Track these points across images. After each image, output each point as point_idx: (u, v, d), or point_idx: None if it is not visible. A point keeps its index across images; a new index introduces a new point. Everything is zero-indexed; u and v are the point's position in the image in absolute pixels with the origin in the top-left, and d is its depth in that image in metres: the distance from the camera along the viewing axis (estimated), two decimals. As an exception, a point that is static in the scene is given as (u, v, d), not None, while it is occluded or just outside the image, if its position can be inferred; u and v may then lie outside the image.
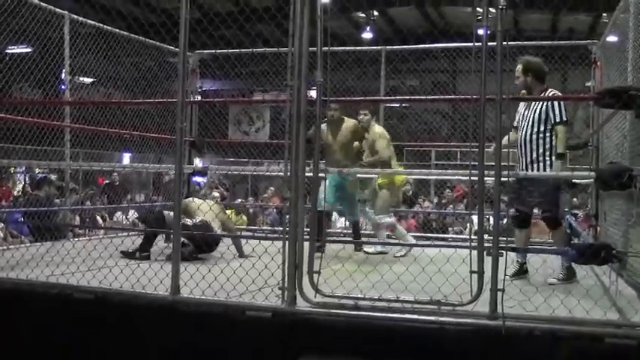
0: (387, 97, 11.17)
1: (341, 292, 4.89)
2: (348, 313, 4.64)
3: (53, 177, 10.91)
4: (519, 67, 6.60)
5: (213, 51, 10.56)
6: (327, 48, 4.99)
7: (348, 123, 8.52)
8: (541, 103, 6.34)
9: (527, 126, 6.43)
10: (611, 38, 8.14)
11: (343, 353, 4.56)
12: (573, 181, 8.09)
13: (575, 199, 14.53)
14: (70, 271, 5.96)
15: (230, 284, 5.31)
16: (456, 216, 14.55)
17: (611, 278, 5.45)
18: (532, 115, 6.41)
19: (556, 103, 6.29)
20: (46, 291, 5.48)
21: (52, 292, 5.46)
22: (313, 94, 5.65)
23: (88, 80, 12.24)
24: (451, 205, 16.04)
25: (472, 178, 4.70)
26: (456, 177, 12.40)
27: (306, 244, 4.95)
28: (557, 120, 6.29)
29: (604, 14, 16.16)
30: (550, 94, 6.47)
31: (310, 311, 4.70)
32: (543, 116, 6.34)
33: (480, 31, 4.66)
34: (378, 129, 8.41)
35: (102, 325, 5.21)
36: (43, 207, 9.88)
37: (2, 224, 10.75)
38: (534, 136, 6.39)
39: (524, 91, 6.53)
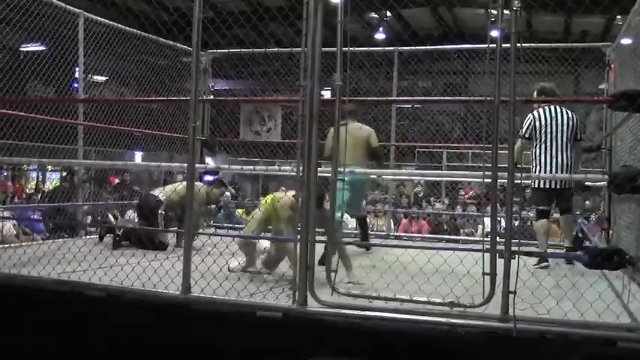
0: (402, 98, 11.14)
1: (356, 292, 4.90)
2: (359, 313, 4.63)
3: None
4: (535, 93, 7.67)
5: (226, 50, 10.58)
6: (345, 48, 5.00)
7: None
8: None
9: None
10: (626, 41, 8.09)
11: (354, 353, 4.56)
12: (586, 183, 8.13)
13: (587, 202, 14.47)
14: (81, 268, 5.97)
15: (241, 283, 5.32)
16: (467, 218, 14.53)
17: (623, 282, 5.42)
18: None
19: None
20: (58, 288, 5.51)
21: (64, 290, 5.48)
22: (325, 93, 5.64)
23: (101, 79, 12.29)
24: (459, 207, 16.01)
25: (485, 180, 4.69)
26: (469, 179, 12.34)
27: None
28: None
29: (618, 16, 16.09)
30: (539, 107, 7.54)
31: (321, 312, 4.70)
32: None
33: (494, 33, 4.64)
34: None
35: (113, 323, 5.22)
36: (65, 198, 10.00)
37: (15, 221, 10.79)
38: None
39: None
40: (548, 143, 7.47)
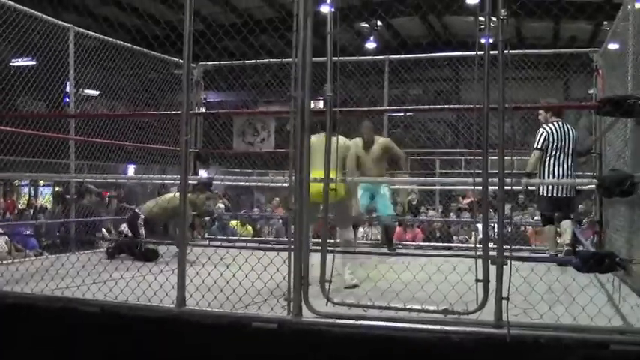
0: (392, 107, 11.19)
1: (350, 301, 4.92)
2: (353, 323, 4.64)
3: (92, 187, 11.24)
4: None
5: (218, 63, 10.61)
6: (336, 58, 5.03)
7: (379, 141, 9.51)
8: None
9: None
10: (612, 46, 8.18)
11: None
12: (577, 188, 8.29)
13: (580, 206, 14.52)
14: (75, 284, 5.97)
15: (236, 295, 5.34)
16: (461, 224, 14.55)
17: (614, 285, 5.45)
18: None
19: (538, 134, 8.23)
20: (51, 304, 5.50)
21: (57, 306, 5.47)
22: (318, 104, 5.68)
23: (93, 93, 12.31)
24: (452, 214, 16.02)
25: (476, 186, 4.71)
26: (460, 186, 12.37)
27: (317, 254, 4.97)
28: (534, 146, 8.21)
29: (605, 22, 16.19)
30: (550, 123, 8.22)
31: (316, 322, 4.71)
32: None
33: (483, 40, 4.68)
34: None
35: (108, 338, 5.22)
36: (84, 216, 10.15)
37: (7, 237, 10.76)
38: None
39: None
40: (558, 156, 8.13)
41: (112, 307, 5.32)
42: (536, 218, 12.95)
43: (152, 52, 10.21)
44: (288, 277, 4.83)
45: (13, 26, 8.16)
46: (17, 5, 8.13)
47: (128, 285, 5.64)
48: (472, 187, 4.88)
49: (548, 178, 8.15)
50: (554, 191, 8.16)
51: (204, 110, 11.34)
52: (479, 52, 4.65)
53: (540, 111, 8.50)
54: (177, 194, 8.57)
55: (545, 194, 8.24)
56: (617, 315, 4.88)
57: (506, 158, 4.56)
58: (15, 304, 5.59)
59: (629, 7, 6.54)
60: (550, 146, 8.13)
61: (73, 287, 5.87)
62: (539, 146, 8.16)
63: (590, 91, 10.04)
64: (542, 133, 8.19)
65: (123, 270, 6.59)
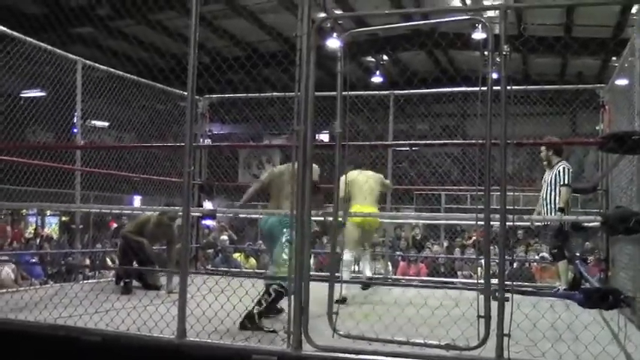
0: (396, 142, 11.20)
1: (355, 333, 4.89)
2: (353, 357, 4.61)
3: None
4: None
5: (223, 95, 10.67)
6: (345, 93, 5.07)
7: None
8: (554, 171, 8.41)
9: (547, 186, 8.47)
10: (621, 82, 8.17)
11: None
12: (582, 224, 8.28)
13: (587, 243, 14.46)
14: (77, 313, 5.97)
15: (236, 327, 5.31)
16: (465, 260, 14.48)
17: (619, 324, 5.40)
18: (549, 179, 8.45)
19: (563, 171, 8.34)
20: (53, 333, 5.49)
21: (59, 335, 5.46)
22: (324, 137, 5.68)
23: (101, 124, 12.39)
24: (457, 249, 15.95)
25: (479, 222, 4.69)
26: (462, 221, 12.31)
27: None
28: (562, 183, 8.32)
29: (613, 58, 16.24)
30: (560, 167, 8.38)
31: (316, 355, 4.67)
32: (554, 180, 8.36)
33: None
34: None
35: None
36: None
37: (14, 266, 10.79)
38: (550, 194, 8.40)
39: (545, 162, 8.67)
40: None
41: (113, 337, 5.30)
42: (542, 254, 12.90)
43: (158, 85, 10.28)
44: (288, 310, 4.80)
45: (23, 58, 8.25)
46: (27, 38, 8.22)
47: (129, 315, 5.63)
48: (475, 222, 4.84)
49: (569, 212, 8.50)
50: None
51: (209, 142, 11.37)
52: (482, 88, 4.66)
53: (542, 148, 8.64)
54: (153, 214, 8.64)
55: (567, 228, 8.39)
56: (621, 354, 4.83)
57: (509, 194, 4.55)
58: (20, 332, 5.60)
59: (635, 42, 6.54)
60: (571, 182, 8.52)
61: (76, 316, 5.87)
62: (568, 182, 8.36)
63: (598, 127, 10.03)
64: (568, 169, 8.42)
65: (125, 300, 6.58)
